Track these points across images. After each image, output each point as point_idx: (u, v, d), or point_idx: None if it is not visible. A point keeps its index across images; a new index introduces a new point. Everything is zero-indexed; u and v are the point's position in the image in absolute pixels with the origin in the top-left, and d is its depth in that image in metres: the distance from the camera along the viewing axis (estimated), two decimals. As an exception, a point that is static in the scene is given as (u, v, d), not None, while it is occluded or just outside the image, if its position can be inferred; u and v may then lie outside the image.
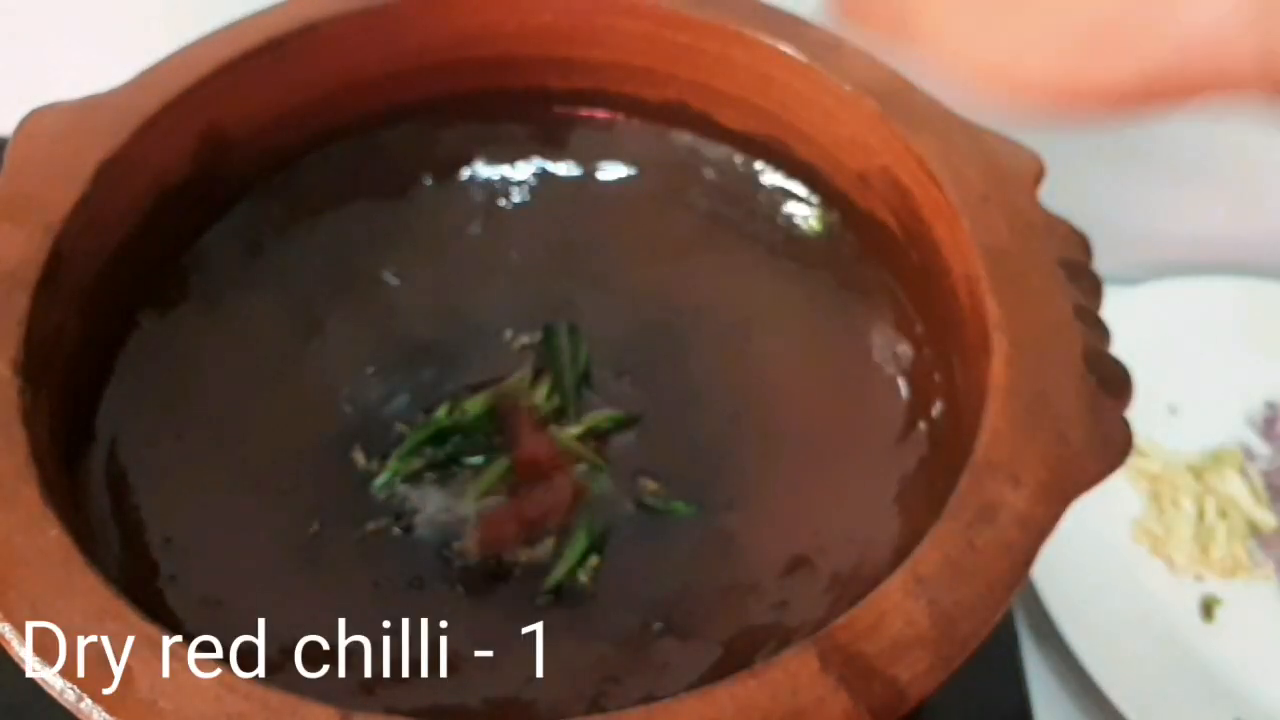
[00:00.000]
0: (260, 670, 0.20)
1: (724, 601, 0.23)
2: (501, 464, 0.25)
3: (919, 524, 0.20)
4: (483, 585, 0.23)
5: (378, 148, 0.28)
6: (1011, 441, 0.18)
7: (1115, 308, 0.23)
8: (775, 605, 0.22)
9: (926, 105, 0.24)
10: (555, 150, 0.29)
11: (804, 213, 0.28)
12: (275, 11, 0.25)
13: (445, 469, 0.25)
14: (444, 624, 0.22)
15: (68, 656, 0.15)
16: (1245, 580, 0.32)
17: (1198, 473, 0.33)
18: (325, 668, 0.21)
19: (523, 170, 0.29)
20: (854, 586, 0.21)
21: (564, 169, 0.29)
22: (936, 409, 0.23)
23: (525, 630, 0.23)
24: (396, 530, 0.24)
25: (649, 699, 0.16)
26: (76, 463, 0.21)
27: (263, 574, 0.22)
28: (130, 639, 0.16)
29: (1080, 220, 0.23)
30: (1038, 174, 0.23)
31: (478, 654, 0.22)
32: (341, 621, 0.22)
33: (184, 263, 0.25)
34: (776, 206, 0.28)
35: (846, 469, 0.24)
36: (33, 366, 0.19)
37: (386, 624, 0.22)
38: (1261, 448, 0.35)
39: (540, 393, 0.26)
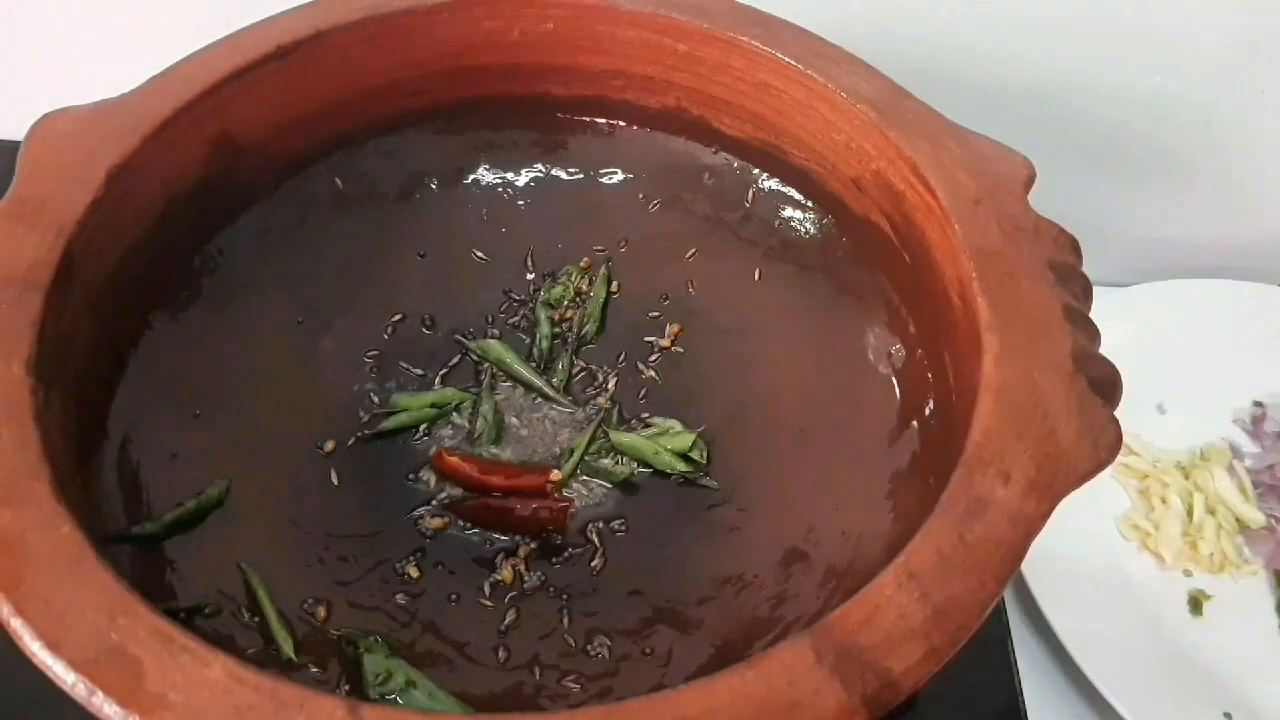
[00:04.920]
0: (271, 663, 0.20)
1: (722, 594, 0.23)
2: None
3: (911, 519, 0.20)
4: (487, 575, 0.24)
5: (384, 154, 0.28)
6: (1002, 439, 0.19)
7: (1105, 309, 0.23)
8: (772, 598, 0.23)
9: (919, 112, 0.25)
10: (557, 156, 0.30)
11: (800, 216, 0.29)
12: (283, 19, 0.25)
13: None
14: (448, 613, 0.23)
15: (79, 651, 0.16)
16: (1233, 575, 0.32)
17: (1186, 470, 0.34)
18: (336, 660, 0.21)
19: (525, 175, 0.30)
20: (848, 580, 0.22)
21: (565, 174, 0.30)
22: (929, 407, 0.24)
23: (529, 621, 0.23)
24: (406, 520, 0.25)
25: (650, 689, 0.16)
26: (89, 460, 0.21)
27: (274, 569, 0.22)
28: (141, 633, 0.16)
29: (1070, 223, 0.23)
30: (1028, 178, 0.24)
31: (482, 643, 0.22)
32: (354, 612, 0.22)
33: (195, 265, 0.25)
34: (773, 211, 0.29)
35: (841, 466, 0.25)
36: (46, 366, 0.19)
37: (393, 614, 0.22)
38: (1249, 446, 0.35)
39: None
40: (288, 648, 0.21)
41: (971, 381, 0.20)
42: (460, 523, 0.25)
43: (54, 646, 0.16)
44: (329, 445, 0.25)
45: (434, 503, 0.25)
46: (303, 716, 0.15)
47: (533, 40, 0.27)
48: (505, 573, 0.24)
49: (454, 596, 0.23)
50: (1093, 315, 0.22)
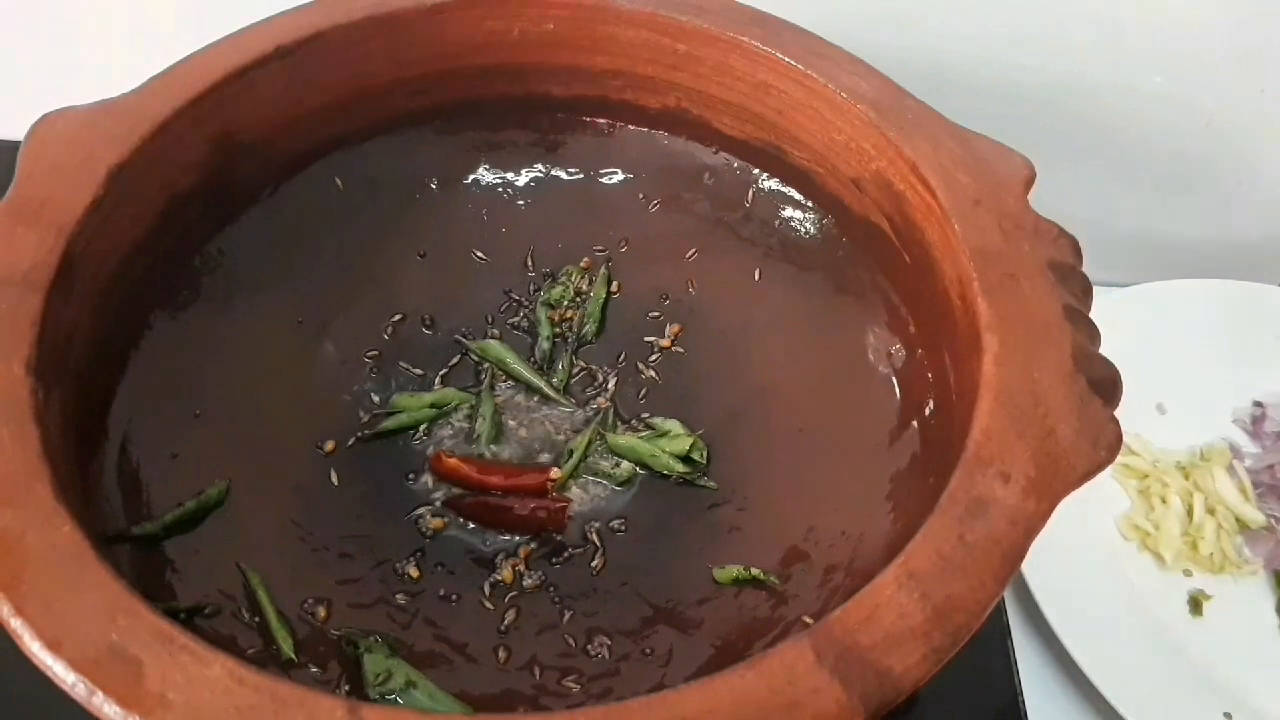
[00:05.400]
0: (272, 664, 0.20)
1: (722, 594, 0.23)
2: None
3: (912, 519, 0.20)
4: (487, 575, 0.24)
5: (384, 154, 0.28)
6: (1002, 439, 0.19)
7: (1105, 309, 0.23)
8: (772, 599, 0.23)
9: (919, 111, 0.25)
10: (557, 156, 0.30)
11: (800, 216, 0.29)
12: (283, 19, 0.25)
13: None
14: (449, 613, 0.23)
15: (79, 651, 0.16)
16: (1233, 576, 0.32)
17: (1186, 470, 0.34)
18: (336, 660, 0.21)
19: (525, 175, 0.30)
20: (848, 580, 0.22)
21: (566, 174, 0.30)
22: (929, 407, 0.24)
23: (529, 621, 0.23)
24: (406, 520, 0.25)
25: (650, 689, 0.16)
26: (89, 460, 0.21)
27: (274, 569, 0.22)
28: (141, 633, 0.16)
29: (1070, 223, 0.23)
30: (1029, 178, 0.24)
31: (482, 643, 0.22)
32: (354, 612, 0.22)
33: (195, 265, 0.25)
34: (773, 211, 0.29)
35: (841, 466, 0.25)
36: (46, 366, 0.19)
37: (393, 614, 0.22)
38: (1249, 446, 0.35)
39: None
40: (288, 648, 0.21)
41: (971, 381, 0.20)
42: (460, 522, 0.25)
43: (54, 646, 0.16)
44: (329, 445, 0.25)
45: (434, 502, 0.25)
46: (303, 716, 0.15)
47: (533, 40, 0.27)
48: (505, 573, 0.24)
49: (454, 596, 0.23)
50: (1093, 315, 0.22)
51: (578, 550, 0.25)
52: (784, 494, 0.25)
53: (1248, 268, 0.39)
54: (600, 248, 0.30)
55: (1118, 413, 0.20)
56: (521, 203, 0.30)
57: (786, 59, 0.26)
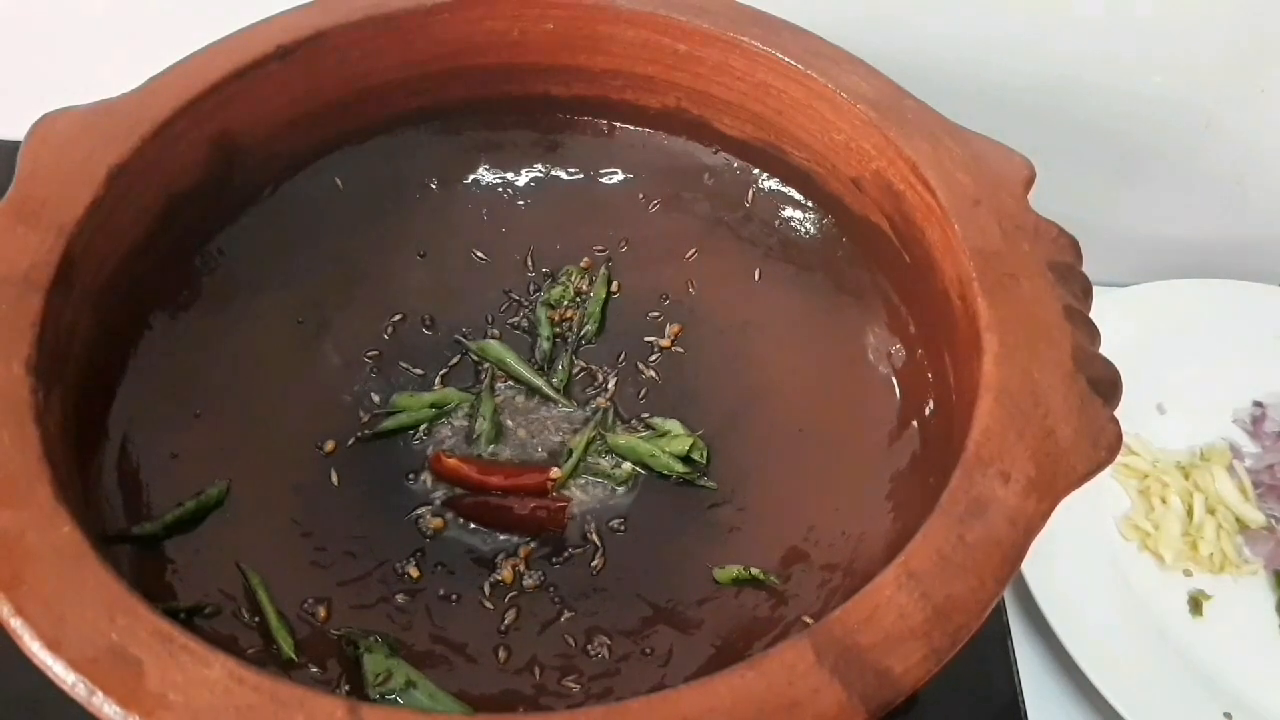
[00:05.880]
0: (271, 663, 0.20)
1: (722, 594, 0.23)
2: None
3: (912, 519, 0.20)
4: (487, 575, 0.24)
5: (384, 154, 0.28)
6: (1002, 439, 0.19)
7: (1105, 309, 0.23)
8: (772, 599, 0.23)
9: (919, 112, 0.25)
10: (557, 156, 0.30)
11: (800, 216, 0.29)
12: (283, 19, 0.25)
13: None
14: (449, 613, 0.23)
15: (79, 651, 0.16)
16: (1233, 576, 0.32)
17: (1186, 470, 0.34)
18: (336, 660, 0.21)
19: (525, 175, 0.30)
20: (848, 580, 0.22)
21: (566, 174, 0.30)
22: (929, 407, 0.24)
23: (529, 621, 0.23)
24: (406, 520, 0.25)
25: (650, 689, 0.16)
26: (89, 460, 0.21)
27: (274, 569, 0.22)
28: (141, 633, 0.16)
29: (1070, 223, 0.23)
30: (1028, 178, 0.24)
31: (482, 643, 0.22)
32: (354, 612, 0.22)
33: (195, 265, 0.25)
34: (773, 211, 0.29)
35: (841, 466, 0.25)
36: (45, 366, 0.19)
37: (393, 614, 0.23)
38: (1249, 446, 0.35)
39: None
40: (288, 648, 0.21)
41: (971, 381, 0.20)
42: (460, 522, 0.25)
43: (54, 646, 0.16)
44: (329, 445, 0.25)
45: (434, 502, 0.25)
46: (303, 716, 0.15)
47: (533, 40, 0.27)
48: (505, 573, 0.24)
49: (454, 596, 0.23)
50: (1093, 315, 0.22)
51: (578, 550, 0.25)
52: (784, 494, 0.25)
53: (1248, 268, 0.39)
54: (600, 248, 0.30)
55: (1118, 413, 0.20)
56: (521, 203, 0.30)
57: (786, 59, 0.26)
